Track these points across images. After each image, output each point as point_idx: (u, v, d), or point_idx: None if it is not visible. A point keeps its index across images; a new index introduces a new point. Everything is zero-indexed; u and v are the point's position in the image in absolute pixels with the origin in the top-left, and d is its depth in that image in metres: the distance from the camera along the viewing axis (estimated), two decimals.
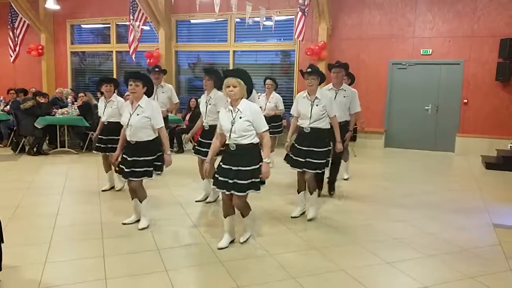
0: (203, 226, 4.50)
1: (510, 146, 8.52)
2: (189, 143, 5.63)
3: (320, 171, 4.67)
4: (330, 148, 4.71)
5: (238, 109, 3.63)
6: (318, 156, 4.53)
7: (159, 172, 4.28)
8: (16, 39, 11.89)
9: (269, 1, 9.99)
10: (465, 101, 9.21)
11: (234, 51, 10.98)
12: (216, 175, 3.74)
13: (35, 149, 8.37)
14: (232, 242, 3.93)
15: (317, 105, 4.54)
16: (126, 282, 3.23)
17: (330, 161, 4.90)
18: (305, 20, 9.10)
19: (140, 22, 10.36)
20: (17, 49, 11.94)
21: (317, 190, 4.76)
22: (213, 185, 3.80)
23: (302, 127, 4.66)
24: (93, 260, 3.58)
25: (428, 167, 8.02)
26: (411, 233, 4.40)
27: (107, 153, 5.54)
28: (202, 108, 5.12)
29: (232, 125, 3.61)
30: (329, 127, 4.66)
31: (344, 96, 5.48)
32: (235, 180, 3.61)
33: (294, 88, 10.36)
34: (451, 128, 9.37)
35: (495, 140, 8.84)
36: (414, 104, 9.61)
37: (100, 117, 5.69)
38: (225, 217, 3.87)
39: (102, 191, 5.74)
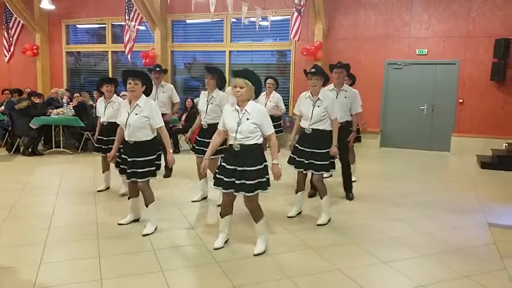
0: (199, 226, 4.49)
1: (505, 146, 8.57)
2: (188, 143, 5.59)
3: (325, 173, 4.58)
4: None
5: (246, 111, 3.57)
6: (321, 157, 4.46)
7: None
8: (11, 39, 11.83)
9: (265, 1, 9.99)
10: (461, 101, 9.25)
11: (230, 51, 10.98)
12: (220, 176, 3.67)
13: (30, 150, 8.33)
14: (226, 242, 3.92)
15: (318, 106, 4.49)
16: (121, 282, 3.21)
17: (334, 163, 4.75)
18: (301, 20, 9.12)
19: (135, 22, 10.34)
20: (11, 49, 11.90)
21: (327, 194, 4.64)
22: (216, 185, 3.69)
23: (304, 128, 4.62)
24: (88, 261, 3.56)
25: (423, 166, 8.04)
26: (407, 232, 4.41)
27: (107, 154, 5.50)
28: (202, 107, 5.08)
29: (238, 126, 3.57)
30: (330, 128, 4.57)
31: (345, 97, 5.48)
32: (242, 181, 3.56)
33: (290, 88, 10.37)
34: (446, 128, 9.40)
35: (490, 140, 8.89)
36: (410, 104, 9.64)
37: (96, 117, 5.65)
38: (222, 217, 3.85)
39: (98, 191, 5.71)
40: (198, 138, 5.15)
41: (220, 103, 4.89)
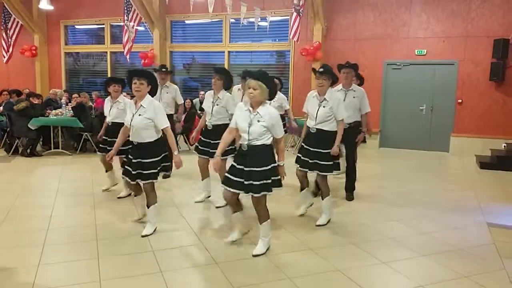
0: (198, 227, 4.48)
1: (504, 146, 8.57)
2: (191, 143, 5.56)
3: (328, 174, 4.53)
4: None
5: (258, 112, 3.56)
6: (325, 158, 4.44)
7: (168, 173, 4.14)
8: (9, 39, 11.82)
9: (264, 2, 9.98)
10: (460, 101, 9.25)
11: (229, 52, 10.97)
12: (229, 175, 3.66)
13: (28, 151, 8.30)
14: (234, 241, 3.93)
15: (324, 107, 4.45)
16: (120, 283, 3.20)
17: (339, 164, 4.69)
18: (300, 21, 9.11)
19: (134, 22, 10.34)
20: (10, 50, 11.88)
21: (330, 195, 4.62)
22: (224, 184, 3.68)
23: (309, 127, 4.60)
24: (87, 262, 3.55)
25: (423, 167, 8.04)
26: (407, 232, 4.41)
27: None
28: (208, 108, 5.06)
29: (249, 127, 3.56)
30: (336, 129, 4.51)
31: (354, 97, 5.45)
32: (250, 181, 3.55)
33: (289, 89, 10.36)
34: (445, 128, 9.40)
35: (489, 140, 8.89)
36: (409, 104, 9.64)
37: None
38: (233, 213, 3.92)
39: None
40: (202, 139, 5.14)
41: (226, 105, 4.93)
